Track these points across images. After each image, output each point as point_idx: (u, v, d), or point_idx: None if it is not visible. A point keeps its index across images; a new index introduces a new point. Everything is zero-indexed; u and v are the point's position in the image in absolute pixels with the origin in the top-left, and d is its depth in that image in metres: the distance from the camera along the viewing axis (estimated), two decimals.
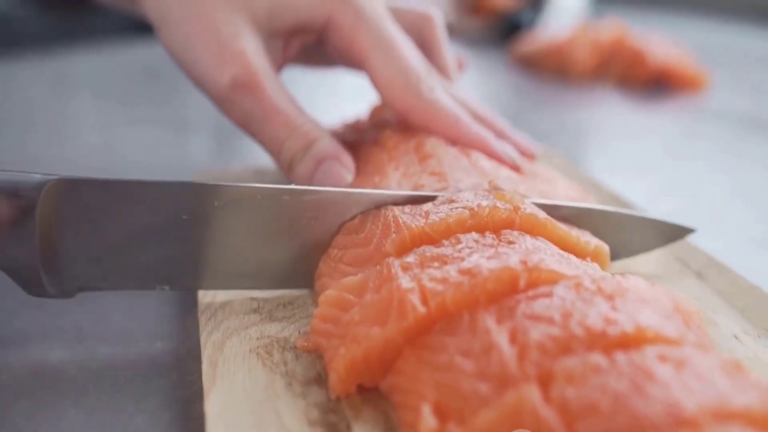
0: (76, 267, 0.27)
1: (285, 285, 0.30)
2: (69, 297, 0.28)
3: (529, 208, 0.27)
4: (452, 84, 0.40)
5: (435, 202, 0.28)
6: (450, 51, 0.41)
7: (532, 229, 0.27)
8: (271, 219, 0.28)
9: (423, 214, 0.27)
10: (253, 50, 0.35)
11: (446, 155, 0.34)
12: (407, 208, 0.28)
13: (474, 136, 0.36)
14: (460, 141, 0.36)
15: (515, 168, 0.35)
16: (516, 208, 0.27)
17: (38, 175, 0.26)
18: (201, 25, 0.34)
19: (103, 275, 0.28)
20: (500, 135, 0.38)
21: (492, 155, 0.35)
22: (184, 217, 0.27)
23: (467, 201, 0.27)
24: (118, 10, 0.45)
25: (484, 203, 0.27)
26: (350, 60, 0.37)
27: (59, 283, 0.27)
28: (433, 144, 0.35)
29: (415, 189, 0.31)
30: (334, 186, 0.32)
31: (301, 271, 0.29)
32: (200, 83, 0.36)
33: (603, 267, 0.29)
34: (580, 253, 0.28)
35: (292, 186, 0.28)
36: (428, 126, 0.36)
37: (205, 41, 0.34)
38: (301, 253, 0.29)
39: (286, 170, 0.35)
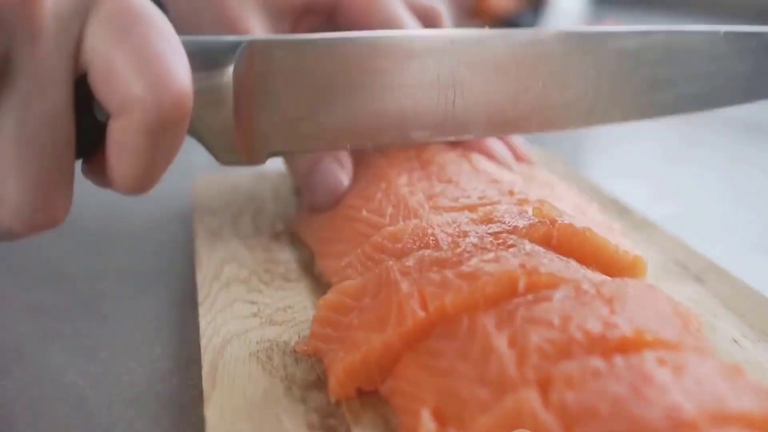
0: (269, 130, 0.28)
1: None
2: (260, 163, 0.29)
3: (567, 219, 0.27)
4: None
5: (474, 218, 0.28)
6: None
7: (570, 240, 0.27)
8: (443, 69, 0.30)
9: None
10: (259, 32, 0.35)
11: (448, 161, 0.34)
12: (448, 228, 0.27)
13: None
14: None
15: (508, 167, 0.36)
16: (552, 222, 0.27)
17: (232, 38, 0.27)
18: (210, 8, 0.34)
19: (294, 137, 0.29)
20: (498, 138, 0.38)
21: (484, 152, 0.36)
22: (370, 73, 0.29)
23: (504, 222, 0.27)
24: None
25: (521, 223, 0.27)
26: None
27: (251, 148, 0.28)
28: (432, 150, 0.35)
29: (430, 198, 0.31)
30: (329, 188, 0.33)
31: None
32: None
33: (641, 277, 0.28)
34: (618, 262, 0.28)
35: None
36: None
37: (213, 20, 0.34)
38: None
39: (287, 161, 0.36)
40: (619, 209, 0.40)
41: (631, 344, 0.21)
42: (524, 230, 0.26)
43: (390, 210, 0.30)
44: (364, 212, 0.30)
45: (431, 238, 0.27)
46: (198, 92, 0.25)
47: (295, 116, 0.28)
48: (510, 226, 0.27)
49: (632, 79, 0.32)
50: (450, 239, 0.26)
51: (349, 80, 0.29)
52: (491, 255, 0.24)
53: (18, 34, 0.21)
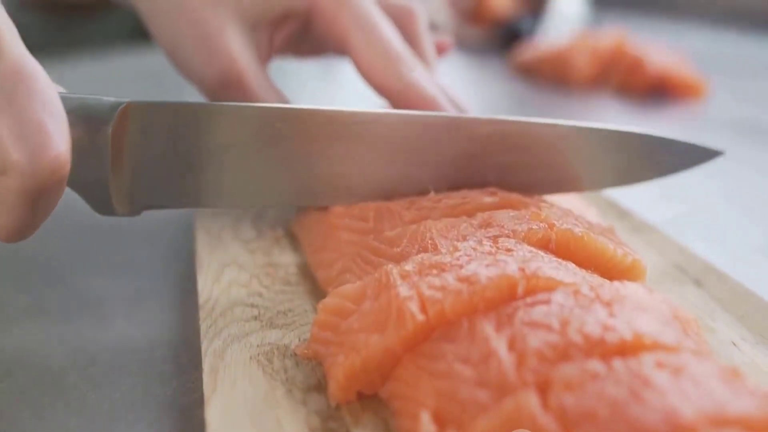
0: (143, 186, 0.29)
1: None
2: (135, 215, 0.30)
3: (565, 224, 0.27)
4: (432, 73, 0.40)
5: (473, 223, 0.28)
6: (431, 45, 0.41)
7: (568, 243, 0.27)
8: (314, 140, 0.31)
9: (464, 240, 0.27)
10: (238, 45, 0.35)
11: None
12: (447, 232, 0.28)
13: None
14: None
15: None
16: (551, 226, 0.27)
17: (111, 99, 0.28)
18: (187, 20, 0.35)
19: (167, 194, 0.30)
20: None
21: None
22: (247, 138, 0.30)
23: (503, 226, 0.27)
24: (120, 5, 0.45)
25: (520, 227, 0.27)
26: (334, 44, 0.37)
27: (128, 202, 0.29)
28: None
29: (412, 202, 0.31)
30: None
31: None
32: (190, 78, 0.37)
33: (640, 280, 0.29)
34: (617, 266, 0.28)
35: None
36: (407, 107, 0.36)
37: (192, 36, 0.35)
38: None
39: None
40: (619, 212, 0.40)
41: (630, 347, 0.21)
42: (523, 234, 0.26)
43: (371, 214, 0.30)
44: (347, 220, 0.30)
45: (430, 242, 0.27)
46: (77, 148, 0.26)
47: (166, 175, 0.30)
48: (509, 230, 0.27)
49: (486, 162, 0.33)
50: (449, 243, 0.27)
51: (215, 143, 0.30)
52: (490, 259, 0.24)
53: None
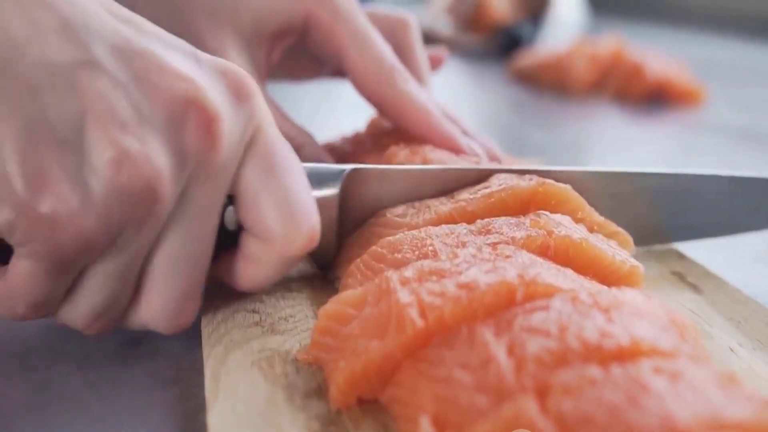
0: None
1: None
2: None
3: (564, 231, 0.28)
4: (425, 86, 0.41)
5: (472, 229, 0.29)
6: (424, 55, 0.42)
7: (567, 250, 0.27)
8: None
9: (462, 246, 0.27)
10: (238, 62, 0.36)
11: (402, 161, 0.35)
12: (446, 239, 0.28)
13: (443, 131, 0.37)
14: (429, 134, 0.37)
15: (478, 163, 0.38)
16: (550, 232, 0.27)
17: (337, 165, 0.31)
18: (189, 40, 0.36)
19: None
20: (466, 134, 0.39)
21: (459, 151, 0.37)
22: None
23: (502, 233, 0.28)
24: None
25: (519, 234, 0.27)
26: (329, 55, 0.38)
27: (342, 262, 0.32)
28: (430, 150, 0.36)
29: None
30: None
31: None
32: None
33: (637, 287, 0.29)
34: (615, 272, 0.29)
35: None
36: (400, 118, 0.37)
37: None
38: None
39: None
40: None
41: (628, 353, 0.21)
42: (522, 241, 0.27)
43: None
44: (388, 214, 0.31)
45: (430, 248, 0.27)
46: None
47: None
48: (508, 236, 0.27)
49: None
50: (449, 250, 0.27)
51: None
52: (489, 265, 0.24)
53: (198, 174, 0.24)
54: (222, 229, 0.27)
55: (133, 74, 0.23)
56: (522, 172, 0.33)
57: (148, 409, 0.26)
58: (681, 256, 0.36)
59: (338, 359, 0.23)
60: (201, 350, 0.27)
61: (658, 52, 0.87)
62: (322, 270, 0.32)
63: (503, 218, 0.28)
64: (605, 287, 0.26)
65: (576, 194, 0.31)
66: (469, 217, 0.30)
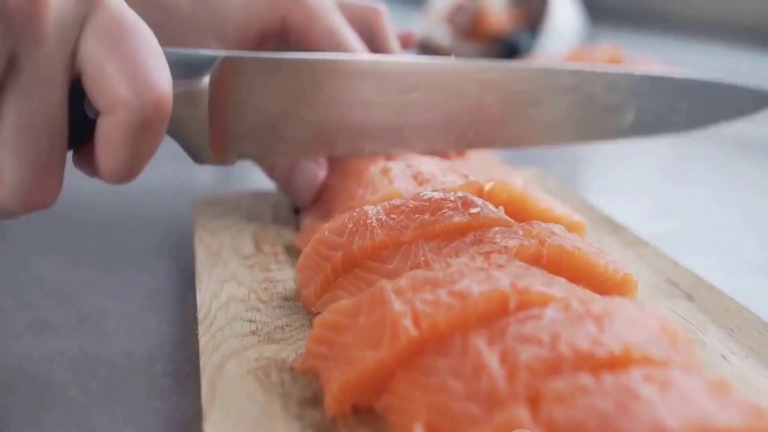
0: (238, 136, 0.32)
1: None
2: (230, 164, 0.32)
3: (557, 240, 0.28)
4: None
5: (465, 240, 0.29)
6: (396, 40, 0.44)
7: (560, 259, 0.28)
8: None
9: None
10: None
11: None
12: (437, 249, 0.29)
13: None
14: None
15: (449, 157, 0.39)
16: (542, 242, 0.28)
17: (209, 51, 0.30)
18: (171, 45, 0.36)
19: (260, 143, 0.32)
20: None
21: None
22: (327, 89, 0.33)
23: (495, 242, 0.28)
24: None
25: (512, 243, 0.28)
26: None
27: (223, 150, 0.31)
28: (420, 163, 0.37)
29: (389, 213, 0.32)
30: (308, 184, 0.38)
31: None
32: None
33: (631, 294, 0.30)
34: (608, 280, 0.29)
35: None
36: None
37: None
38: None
39: (268, 172, 0.39)
40: (612, 227, 0.41)
41: (619, 361, 0.21)
42: (515, 250, 0.27)
43: (348, 229, 0.30)
44: (326, 233, 0.31)
45: (422, 258, 0.27)
46: (177, 97, 0.28)
47: (260, 124, 0.32)
48: (500, 246, 0.27)
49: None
50: (441, 259, 0.27)
51: (308, 94, 0.33)
52: (482, 274, 0.25)
53: (24, 36, 0.23)
54: (84, 120, 0.26)
55: None
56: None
57: (146, 418, 0.26)
58: (675, 264, 0.36)
59: (333, 368, 0.24)
60: (198, 359, 0.27)
61: (654, 60, 0.88)
62: (197, 162, 0.32)
63: (496, 228, 0.29)
64: (598, 296, 0.26)
65: (516, 186, 0.33)
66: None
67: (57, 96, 0.25)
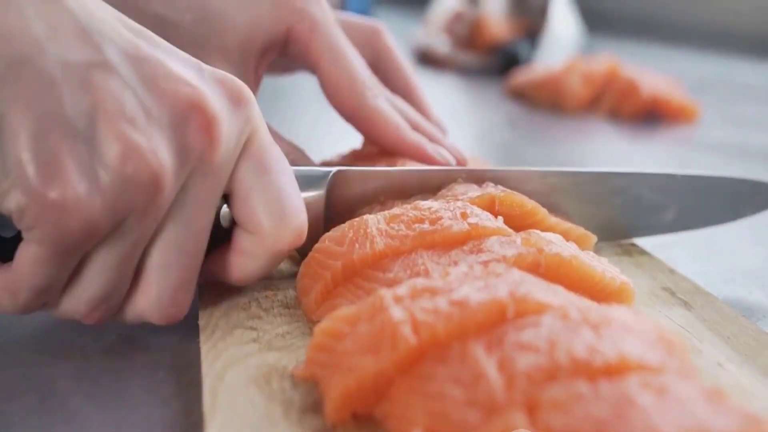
0: None
1: None
2: None
3: (554, 249, 0.28)
4: (413, 85, 0.43)
5: (464, 249, 0.29)
6: (403, 56, 0.44)
7: (557, 267, 0.28)
8: None
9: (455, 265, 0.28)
10: None
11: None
12: (436, 258, 0.29)
13: (411, 142, 0.39)
14: (398, 146, 0.39)
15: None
16: (540, 251, 0.28)
17: (323, 168, 0.34)
18: None
19: None
20: (434, 140, 0.41)
21: (428, 159, 0.39)
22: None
23: (493, 251, 0.28)
24: None
25: (510, 252, 0.28)
26: (306, 66, 0.41)
27: None
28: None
29: (389, 222, 0.32)
30: None
31: None
32: None
33: (628, 302, 0.30)
34: (605, 289, 0.29)
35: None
36: (370, 131, 0.39)
37: None
38: None
39: None
40: None
41: (616, 369, 0.21)
42: (513, 259, 0.27)
43: (348, 238, 0.31)
44: (326, 242, 0.31)
45: (422, 267, 0.28)
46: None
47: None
48: (499, 254, 0.28)
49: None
50: (440, 268, 0.27)
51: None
52: (481, 283, 0.25)
53: (196, 170, 0.26)
54: (217, 226, 0.29)
55: (141, 77, 0.25)
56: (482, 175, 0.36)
57: (148, 425, 0.26)
58: (671, 272, 0.37)
59: (333, 375, 0.24)
60: (200, 366, 0.27)
61: (652, 70, 0.88)
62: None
63: (495, 237, 0.29)
64: (595, 304, 0.27)
65: (528, 199, 0.34)
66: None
67: (211, 217, 0.27)
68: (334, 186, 0.34)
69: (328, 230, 0.33)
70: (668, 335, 0.24)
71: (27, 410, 0.27)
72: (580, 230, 0.35)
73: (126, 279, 0.27)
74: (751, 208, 0.39)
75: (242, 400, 0.25)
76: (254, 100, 0.28)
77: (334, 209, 0.34)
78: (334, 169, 0.34)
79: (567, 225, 0.35)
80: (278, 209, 0.28)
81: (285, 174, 0.29)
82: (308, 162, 0.39)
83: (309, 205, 0.31)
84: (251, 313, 0.31)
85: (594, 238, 0.36)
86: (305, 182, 0.32)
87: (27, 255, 0.25)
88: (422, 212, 0.31)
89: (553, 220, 0.34)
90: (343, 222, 0.32)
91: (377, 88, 0.39)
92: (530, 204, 0.34)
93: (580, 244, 0.32)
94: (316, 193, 0.33)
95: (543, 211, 0.34)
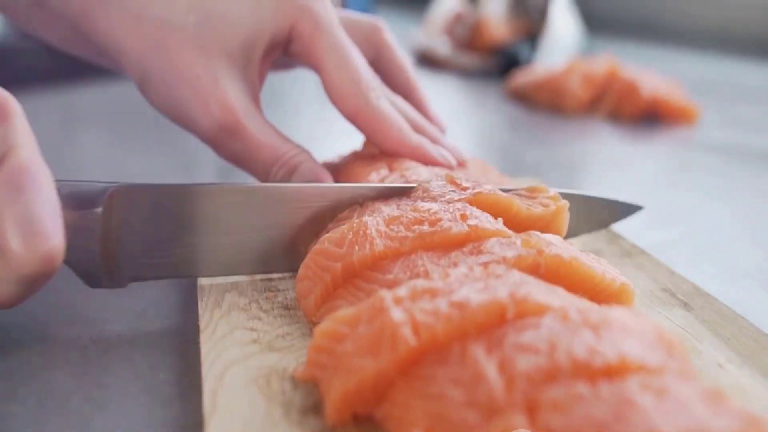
0: (129, 261, 0.32)
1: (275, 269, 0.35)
2: (121, 287, 0.32)
3: (554, 250, 0.28)
4: (415, 87, 0.43)
5: (463, 250, 0.29)
6: (404, 53, 0.44)
7: (557, 269, 0.28)
8: (270, 211, 0.34)
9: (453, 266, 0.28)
10: (233, 92, 0.37)
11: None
12: (436, 259, 0.29)
13: (412, 144, 0.39)
14: (400, 149, 0.39)
15: (450, 167, 0.40)
16: (540, 252, 0.28)
17: (102, 183, 0.31)
18: (182, 78, 0.37)
19: (148, 266, 0.32)
20: (435, 141, 0.41)
21: (430, 161, 0.39)
22: (215, 212, 0.33)
23: (493, 252, 0.28)
24: (84, 60, 0.46)
25: (510, 253, 0.28)
26: (308, 65, 0.40)
27: (114, 275, 0.32)
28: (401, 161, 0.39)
29: (388, 223, 0.32)
30: (314, 180, 0.37)
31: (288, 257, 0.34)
32: (189, 129, 0.38)
33: (628, 303, 0.30)
34: (605, 290, 0.29)
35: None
36: (371, 132, 0.39)
37: (189, 92, 0.37)
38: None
39: (263, 180, 0.39)
40: (609, 236, 0.41)
41: (615, 370, 0.22)
42: (513, 260, 0.27)
43: (348, 240, 0.30)
44: (326, 244, 0.31)
45: (422, 269, 0.28)
46: (71, 227, 0.29)
47: (147, 248, 0.32)
48: (499, 256, 0.28)
49: None
50: (440, 270, 0.27)
51: (189, 219, 0.33)
52: (481, 284, 0.25)
53: None
54: None
55: None
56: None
57: (148, 426, 0.26)
58: (671, 273, 0.37)
59: (333, 377, 0.24)
60: (200, 368, 0.28)
61: (653, 72, 0.88)
62: (90, 286, 0.32)
63: (494, 238, 0.29)
64: (595, 305, 0.27)
65: (504, 195, 0.33)
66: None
67: None
68: (115, 203, 0.31)
69: (117, 250, 0.31)
70: (668, 336, 0.24)
71: (26, 412, 0.27)
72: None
73: None
74: (595, 225, 0.40)
75: (242, 401, 0.25)
76: (19, 113, 0.27)
77: (123, 227, 0.31)
78: (114, 185, 0.31)
79: (537, 212, 0.33)
80: (26, 231, 0.26)
81: (41, 194, 0.26)
82: (315, 166, 0.38)
83: (81, 225, 0.30)
84: (251, 314, 0.31)
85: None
86: (78, 200, 0.30)
87: None
88: (422, 214, 0.31)
89: (525, 212, 0.33)
90: (122, 247, 0.31)
91: (379, 89, 0.39)
92: (503, 199, 0.33)
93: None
94: (91, 212, 0.30)
95: (516, 206, 0.33)
